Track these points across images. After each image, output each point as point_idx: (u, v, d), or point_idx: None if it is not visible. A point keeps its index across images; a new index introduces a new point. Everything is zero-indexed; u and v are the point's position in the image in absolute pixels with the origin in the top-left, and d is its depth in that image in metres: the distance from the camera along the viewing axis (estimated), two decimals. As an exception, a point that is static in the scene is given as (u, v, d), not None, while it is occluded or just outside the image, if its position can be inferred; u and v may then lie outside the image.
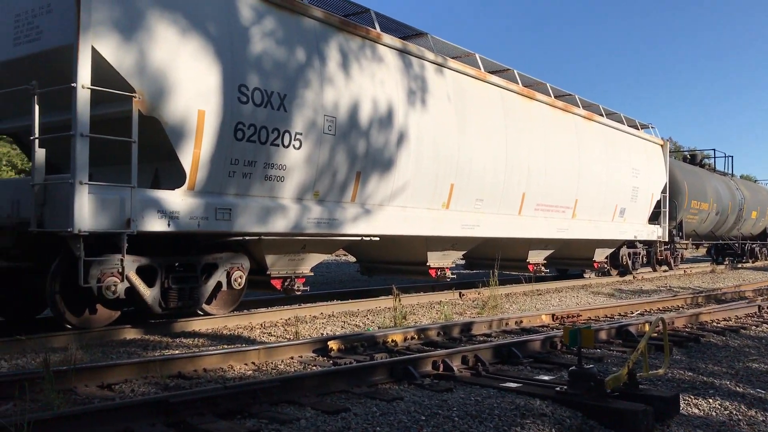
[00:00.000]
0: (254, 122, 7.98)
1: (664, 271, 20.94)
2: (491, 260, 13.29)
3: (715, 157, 29.09)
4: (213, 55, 7.60)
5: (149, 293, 7.58)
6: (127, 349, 7.02)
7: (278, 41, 8.37)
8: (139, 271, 7.45)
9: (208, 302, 8.67)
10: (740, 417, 5.46)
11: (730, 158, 29.19)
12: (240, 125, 7.85)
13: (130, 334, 7.78)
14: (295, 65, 8.51)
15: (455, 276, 12.75)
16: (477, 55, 12.47)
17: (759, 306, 11.29)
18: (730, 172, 28.69)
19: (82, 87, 6.51)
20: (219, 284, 8.35)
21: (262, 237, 8.35)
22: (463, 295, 12.66)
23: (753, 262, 28.08)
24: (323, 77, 8.85)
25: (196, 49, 7.45)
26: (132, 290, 7.37)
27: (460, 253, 12.62)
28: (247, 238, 8.26)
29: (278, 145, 8.28)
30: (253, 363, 6.21)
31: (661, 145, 19.33)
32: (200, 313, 8.71)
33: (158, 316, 7.99)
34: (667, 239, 19.52)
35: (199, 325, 8.41)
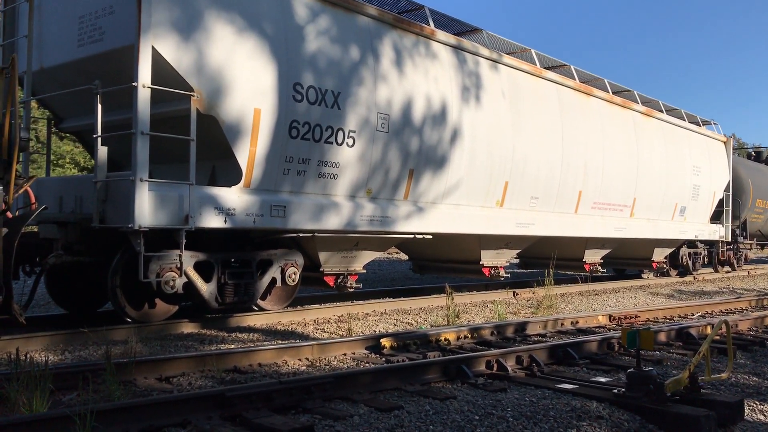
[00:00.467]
0: (308, 120, 8.05)
1: (727, 272, 20.25)
2: (546, 259, 13.10)
3: (782, 154, 27.96)
4: (268, 53, 7.69)
5: (206, 288, 7.73)
6: (184, 343, 7.16)
7: (332, 39, 8.41)
8: (197, 267, 7.61)
9: (263, 298, 8.78)
10: (810, 425, 5.23)
11: (798, 155, 28.02)
12: (295, 123, 7.92)
13: (188, 328, 7.95)
14: (349, 63, 8.54)
15: (509, 275, 12.61)
16: (533, 51, 12.28)
17: (829, 309, 10.80)
18: (798, 169, 27.53)
19: (143, 86, 6.68)
20: (273, 280, 8.45)
21: (316, 234, 8.42)
22: (517, 294, 12.50)
23: (822, 264, 26.90)
24: (377, 75, 8.85)
25: (252, 48, 7.55)
26: (190, 285, 7.52)
27: (515, 252, 12.46)
28: (300, 234, 8.34)
29: (332, 143, 8.33)
30: (307, 359, 6.26)
31: (724, 142, 18.69)
32: (255, 308, 8.84)
33: (215, 311, 8.14)
34: (729, 239, 18.89)
35: (254, 320, 8.53)
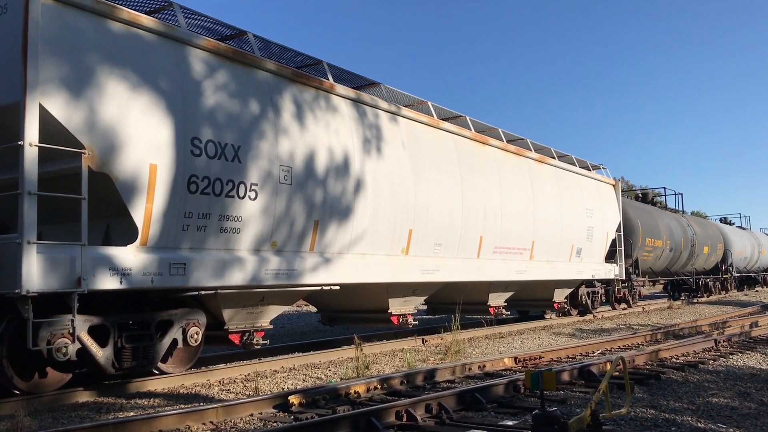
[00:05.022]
0: (208, 174, 7.92)
1: (623, 308, 21.21)
2: (453, 304, 13.29)
3: (665, 195, 30.04)
4: (164, 108, 7.56)
5: (102, 353, 7.33)
6: (79, 413, 6.74)
7: (231, 94, 8.39)
8: (91, 331, 7.21)
9: (164, 360, 8.42)
10: (703, 453, 5.47)
11: (680, 195, 30.10)
12: (194, 178, 7.77)
13: (83, 396, 7.48)
14: (248, 117, 8.52)
15: (417, 322, 12.68)
16: (429, 103, 12.68)
17: (715, 340, 11.48)
18: (680, 209, 29.51)
19: (30, 145, 6.39)
20: (175, 341, 8.12)
21: (219, 291, 8.20)
22: (425, 341, 12.59)
23: (707, 297, 28.67)
24: (278, 128, 8.87)
25: (147, 103, 7.40)
26: (84, 351, 7.11)
27: (422, 299, 12.59)
28: (203, 292, 8.09)
29: (233, 197, 8.22)
30: (212, 422, 6.01)
31: (613, 185, 19.80)
32: (156, 372, 8.45)
33: (112, 376, 7.71)
34: (624, 277, 19.83)
35: (154, 384, 8.14)
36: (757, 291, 35.46)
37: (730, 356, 10.32)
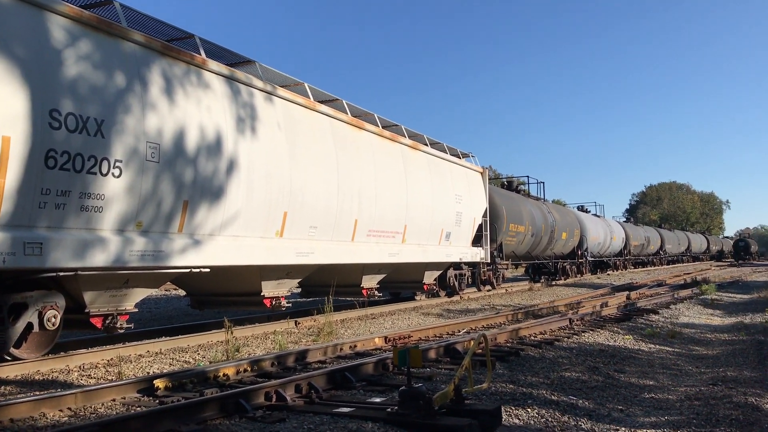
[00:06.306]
0: (68, 149, 7.46)
1: (488, 290, 22.21)
2: (327, 287, 13.37)
3: (528, 183, 31.62)
4: (20, 77, 7.02)
5: (-56, 340, 6.77)
6: None
7: (95, 65, 7.93)
8: (-68, 316, 6.64)
9: (17, 346, 7.89)
10: (555, 423, 5.89)
11: (542, 184, 31.81)
12: (52, 152, 7.29)
13: None
14: (114, 90, 8.10)
15: (291, 305, 12.65)
16: (306, 85, 12.61)
17: (570, 319, 12.31)
18: (542, 197, 31.20)
19: None
20: (30, 325, 7.63)
21: (79, 272, 7.77)
22: (298, 323, 12.59)
23: (565, 279, 30.59)
24: (145, 103, 8.50)
25: (-1, 70, 6.84)
26: None
27: (296, 282, 12.56)
28: (61, 274, 7.65)
29: (96, 174, 7.80)
30: (70, 408, 5.73)
31: (481, 173, 20.61)
32: (8, 358, 7.90)
33: (-44, 365, 7.14)
34: (489, 260, 20.73)
35: (6, 371, 7.61)
36: (608, 274, 38.29)
37: (583, 334, 11.11)
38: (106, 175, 7.91)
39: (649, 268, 48.24)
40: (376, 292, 15.51)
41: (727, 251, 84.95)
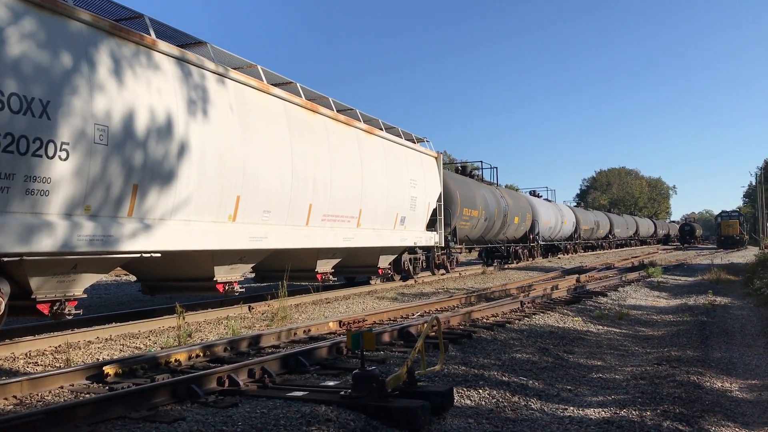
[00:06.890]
0: (11, 131, 7.22)
1: (442, 274, 22.43)
2: (281, 272, 13.31)
3: (482, 169, 31.89)
4: (-42, 55, 6.76)
5: None
6: None
7: (40, 44, 7.67)
8: None
9: (-41, 334, 7.66)
10: (506, 404, 6.01)
11: (495, 169, 32.15)
12: (-6, 134, 7.05)
13: None
14: (60, 70, 7.86)
15: (244, 290, 12.56)
16: (259, 67, 12.45)
17: (521, 302, 12.53)
18: (495, 182, 31.55)
19: None
20: (-28, 313, 7.41)
21: (24, 257, 7.57)
22: (252, 308, 12.52)
23: (517, 263, 31.07)
24: (93, 84, 8.28)
25: (-64, 47, 6.57)
26: None
27: (249, 266, 12.45)
28: (5, 259, 7.43)
29: (41, 156, 7.58)
30: (15, 397, 5.60)
31: (436, 158, 20.72)
32: (-51, 346, 7.68)
33: None
34: (443, 244, 20.92)
35: (-53, 360, 7.40)
36: (559, 258, 39.05)
37: (534, 316, 11.33)
38: (52, 157, 7.70)
39: (599, 252, 49.35)
40: (331, 277, 15.50)
41: (673, 235, 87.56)
